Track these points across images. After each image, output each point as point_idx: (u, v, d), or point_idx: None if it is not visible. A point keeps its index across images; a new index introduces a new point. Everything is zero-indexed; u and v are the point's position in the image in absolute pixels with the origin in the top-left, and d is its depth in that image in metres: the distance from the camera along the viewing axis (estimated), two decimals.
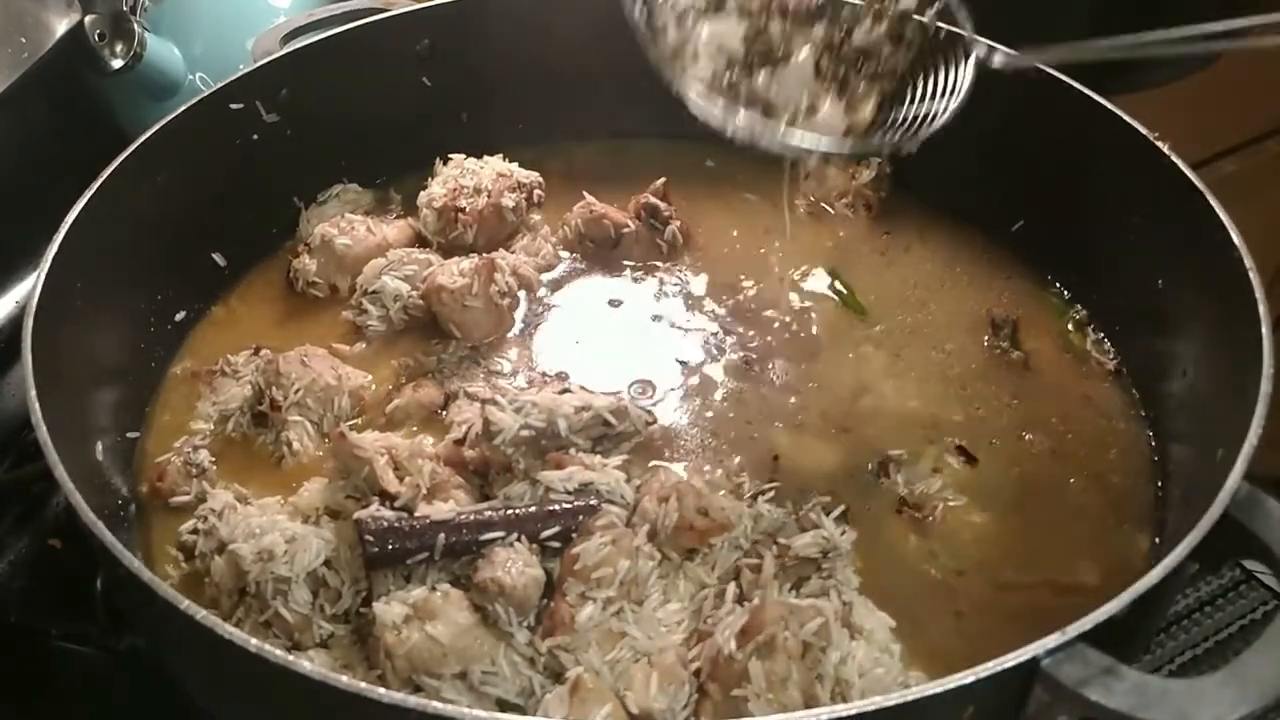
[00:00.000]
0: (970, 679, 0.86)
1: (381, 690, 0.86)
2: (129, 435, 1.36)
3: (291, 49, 1.57)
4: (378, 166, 1.70)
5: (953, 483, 1.29)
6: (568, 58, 1.69)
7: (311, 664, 0.92)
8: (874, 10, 1.26)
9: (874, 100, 1.25)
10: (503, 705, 1.04)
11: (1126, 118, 1.39)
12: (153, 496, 1.28)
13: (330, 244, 1.53)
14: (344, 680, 0.86)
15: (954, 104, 1.24)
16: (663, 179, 1.62)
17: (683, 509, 1.13)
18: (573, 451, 1.19)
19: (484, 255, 1.47)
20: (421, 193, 1.61)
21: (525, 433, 1.18)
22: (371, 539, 1.09)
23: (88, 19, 1.59)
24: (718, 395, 1.39)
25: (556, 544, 1.11)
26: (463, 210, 1.55)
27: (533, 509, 1.13)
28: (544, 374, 1.40)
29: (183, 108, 1.45)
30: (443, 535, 1.09)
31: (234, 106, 1.51)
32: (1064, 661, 0.88)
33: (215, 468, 1.31)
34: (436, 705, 0.85)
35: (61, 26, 1.56)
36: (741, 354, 1.45)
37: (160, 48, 1.71)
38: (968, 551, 1.23)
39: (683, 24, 1.26)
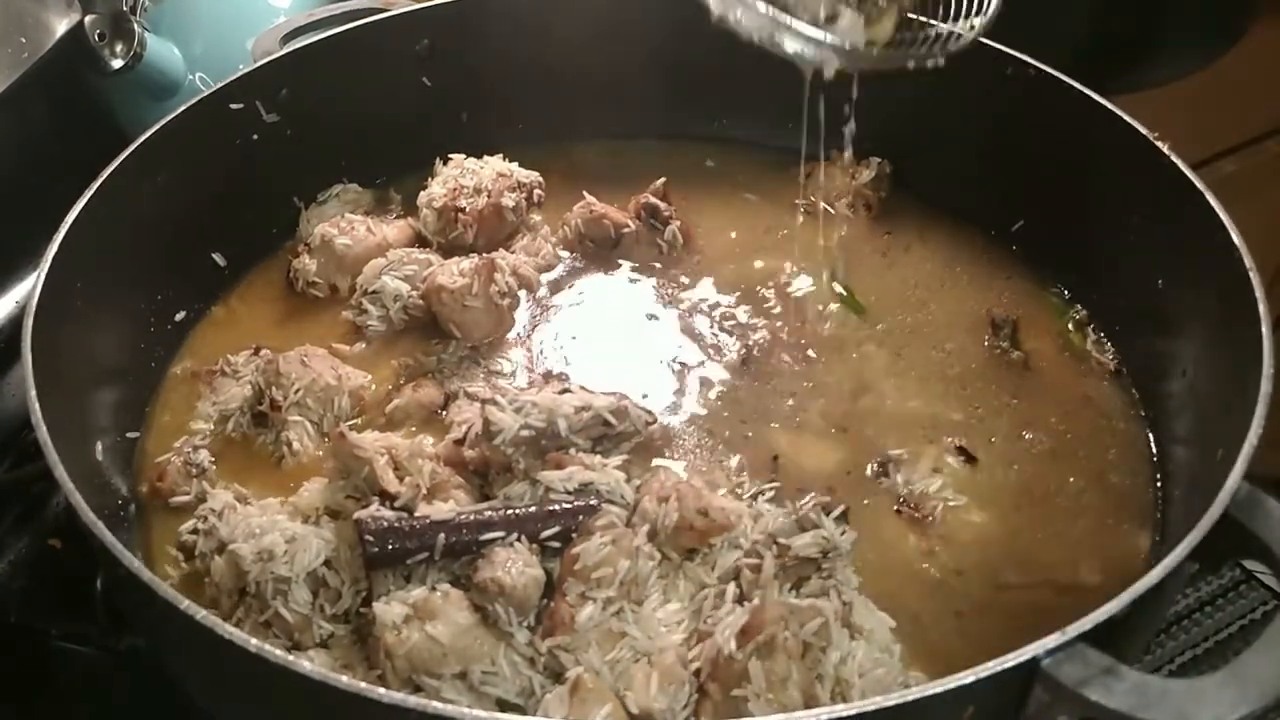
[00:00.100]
0: (970, 679, 0.86)
1: (381, 690, 0.86)
2: (129, 435, 1.36)
3: (291, 49, 1.57)
4: (378, 166, 1.70)
5: (952, 482, 1.29)
6: (568, 58, 1.70)
7: (311, 664, 0.92)
8: None
9: (894, 16, 1.23)
10: (503, 705, 1.04)
11: (1126, 118, 1.39)
12: (153, 496, 1.28)
13: (330, 244, 1.53)
14: (344, 680, 0.86)
15: (981, 22, 1.21)
16: (663, 179, 1.62)
17: (683, 509, 1.13)
18: (573, 451, 1.19)
19: (484, 255, 1.47)
20: (421, 193, 1.61)
21: (525, 433, 1.18)
22: (371, 539, 1.09)
23: (88, 19, 1.59)
24: (718, 395, 1.39)
25: (556, 544, 1.11)
26: (463, 210, 1.55)
27: (533, 509, 1.13)
28: (544, 374, 1.40)
29: (183, 108, 1.45)
30: (443, 535, 1.09)
31: (234, 106, 1.51)
32: (1064, 661, 0.88)
33: (215, 468, 1.31)
34: (436, 705, 0.85)
35: (61, 26, 1.56)
36: (742, 354, 1.45)
37: (160, 48, 1.71)
38: (967, 551, 1.23)
39: None
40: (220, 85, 1.50)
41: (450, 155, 1.64)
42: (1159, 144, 1.34)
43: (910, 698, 0.86)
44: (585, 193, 1.62)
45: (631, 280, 1.58)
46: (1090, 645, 0.88)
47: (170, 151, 1.42)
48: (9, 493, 1.44)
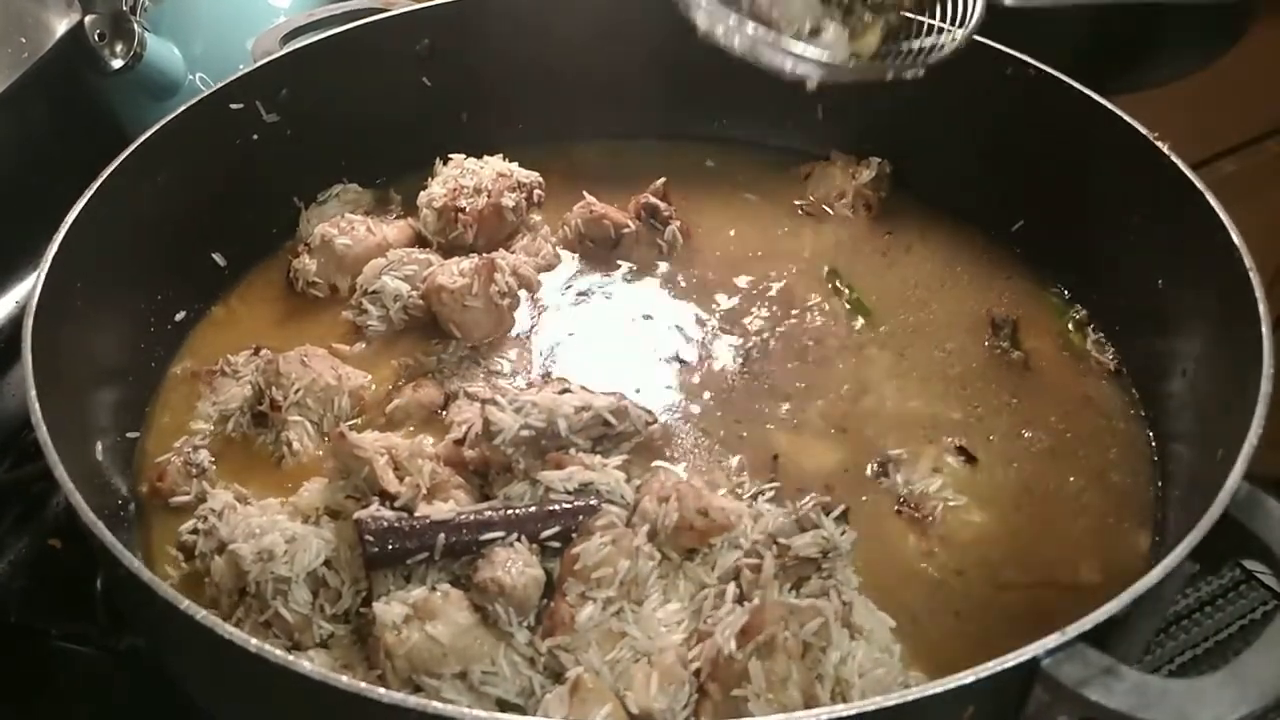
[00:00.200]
0: (970, 679, 0.86)
1: (381, 690, 0.86)
2: (129, 435, 1.36)
3: (291, 49, 1.57)
4: (378, 166, 1.70)
5: (952, 482, 1.29)
6: (568, 58, 1.70)
7: (311, 664, 0.92)
8: None
9: (879, 31, 1.23)
10: (503, 705, 1.04)
11: (1126, 118, 1.39)
12: (153, 496, 1.28)
13: (330, 244, 1.53)
14: (344, 680, 0.86)
15: (962, 34, 1.22)
16: (663, 179, 1.62)
17: (683, 509, 1.13)
18: (573, 451, 1.19)
19: (484, 255, 1.47)
20: (421, 193, 1.61)
21: (525, 433, 1.18)
22: (371, 539, 1.09)
23: (88, 19, 1.59)
24: (718, 395, 1.39)
25: (556, 544, 1.11)
26: (463, 210, 1.55)
27: (533, 509, 1.13)
28: (544, 374, 1.40)
29: (183, 108, 1.45)
30: (443, 535, 1.09)
31: (234, 106, 1.51)
32: (1064, 661, 0.88)
33: (215, 468, 1.31)
34: (436, 705, 0.85)
35: (61, 26, 1.56)
36: (742, 354, 1.45)
37: (160, 48, 1.71)
38: (967, 551, 1.23)
39: None
40: (220, 85, 1.50)
41: (450, 155, 1.64)
42: (1159, 144, 1.34)
43: (910, 698, 0.86)
44: (585, 193, 1.62)
45: (631, 280, 1.58)
46: (1090, 645, 0.88)
47: (170, 151, 1.42)
48: (9, 493, 1.44)
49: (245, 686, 0.99)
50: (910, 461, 1.31)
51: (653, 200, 1.59)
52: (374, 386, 1.39)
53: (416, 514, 1.12)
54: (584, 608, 1.06)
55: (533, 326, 1.50)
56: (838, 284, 1.55)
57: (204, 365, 1.43)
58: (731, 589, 1.10)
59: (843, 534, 1.14)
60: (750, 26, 1.16)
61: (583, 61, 1.70)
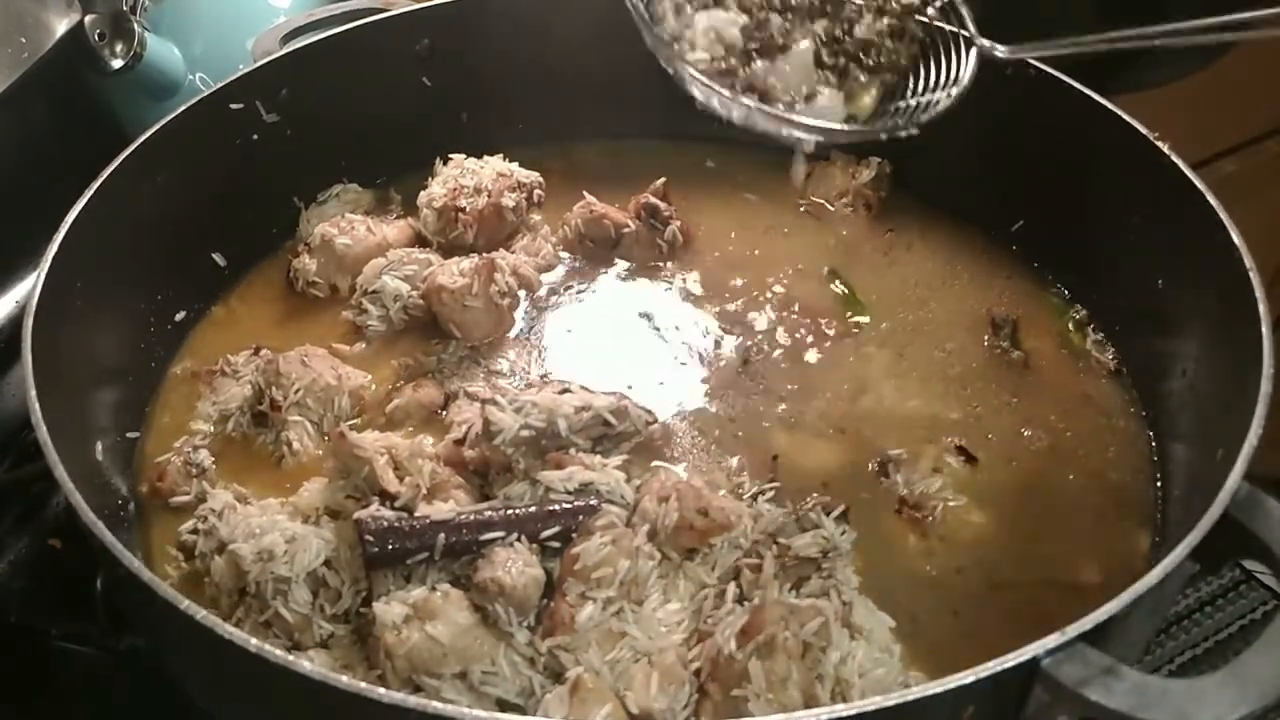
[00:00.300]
0: (970, 679, 0.86)
1: (381, 690, 0.86)
2: (129, 435, 1.36)
3: (291, 49, 1.57)
4: (378, 166, 1.70)
5: (952, 482, 1.29)
6: (568, 58, 1.69)
7: (311, 664, 0.93)
8: (876, 5, 1.25)
9: (874, 92, 1.24)
10: (503, 705, 1.04)
11: (1126, 118, 1.39)
12: (153, 496, 1.28)
13: (330, 244, 1.53)
14: (344, 680, 0.86)
15: (955, 91, 1.23)
16: (663, 179, 1.62)
17: (683, 509, 1.13)
18: (573, 451, 1.19)
19: (484, 255, 1.47)
20: (421, 193, 1.61)
21: (525, 433, 1.18)
22: (371, 539, 1.09)
23: (88, 19, 1.59)
24: (718, 395, 1.39)
25: (556, 544, 1.11)
26: (463, 210, 1.55)
27: (533, 509, 1.13)
28: (543, 374, 1.40)
29: (183, 108, 1.45)
30: (443, 535, 1.09)
31: (234, 106, 1.51)
32: (1064, 661, 0.88)
33: (215, 468, 1.31)
34: (436, 705, 0.85)
35: (61, 26, 1.56)
36: (742, 353, 1.45)
37: (160, 48, 1.71)
38: (967, 551, 1.23)
39: (681, 13, 1.25)
40: (220, 85, 1.50)
41: (450, 155, 1.64)
42: (1159, 144, 1.34)
43: (910, 698, 0.86)
44: (585, 193, 1.62)
45: (631, 280, 1.58)
46: (1090, 645, 0.88)
47: (170, 151, 1.42)
48: (9, 493, 1.44)
49: (245, 686, 0.99)
50: (910, 461, 1.31)
51: (653, 200, 1.59)
52: (374, 386, 1.39)
53: (416, 514, 1.12)
54: (584, 608, 1.06)
55: (533, 326, 1.50)
56: (837, 283, 1.55)
57: (204, 365, 1.43)
58: (731, 589, 1.10)
59: (843, 534, 1.14)
60: (746, 99, 1.18)
61: (583, 61, 1.70)
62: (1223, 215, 1.23)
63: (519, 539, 1.10)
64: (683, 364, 1.44)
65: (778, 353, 1.45)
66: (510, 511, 1.13)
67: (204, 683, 1.10)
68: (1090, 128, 1.43)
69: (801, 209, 1.67)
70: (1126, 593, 0.91)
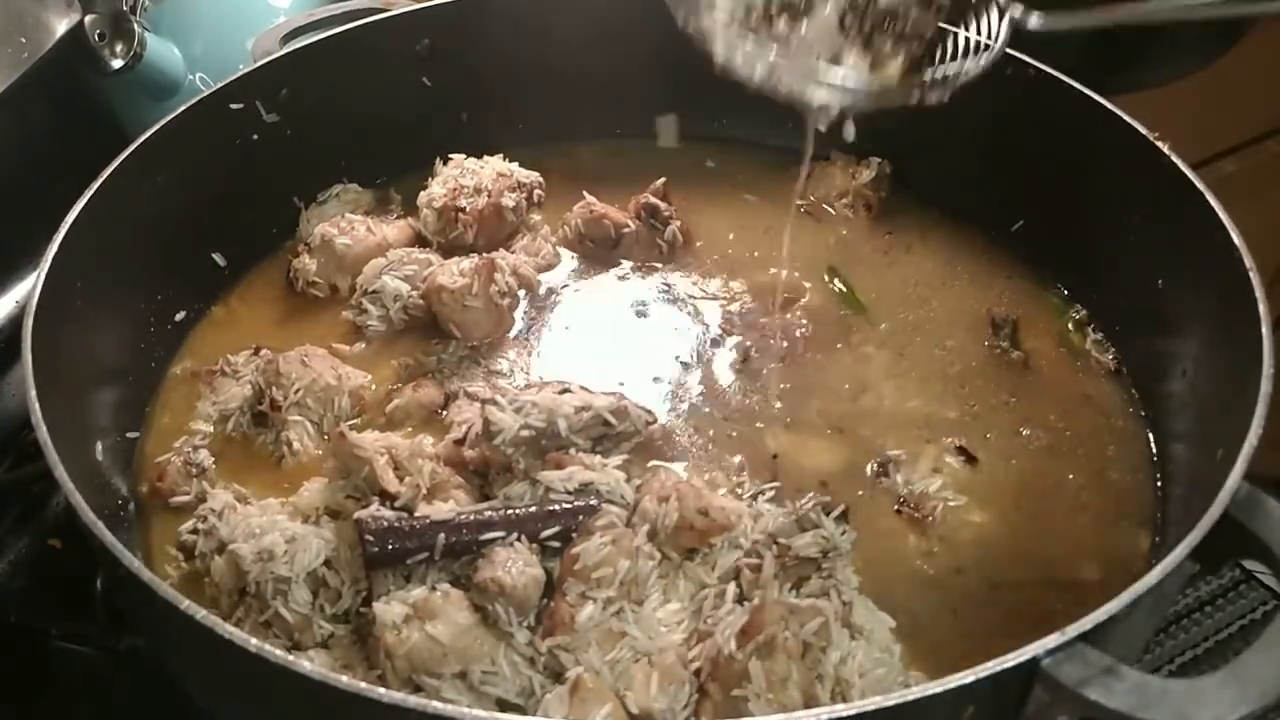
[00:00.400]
0: (970, 679, 0.86)
1: (381, 690, 0.86)
2: (129, 435, 1.36)
3: (291, 49, 1.57)
4: (378, 166, 1.70)
5: (952, 482, 1.29)
6: (568, 58, 1.70)
7: (311, 664, 0.92)
8: None
9: (901, 61, 1.23)
10: (503, 705, 1.04)
11: (1126, 118, 1.39)
12: (153, 496, 1.28)
13: (330, 244, 1.53)
14: (344, 680, 0.86)
15: (987, 59, 1.22)
16: (663, 179, 1.62)
17: (683, 509, 1.13)
18: (573, 451, 1.19)
19: (484, 255, 1.47)
20: (421, 193, 1.61)
21: (525, 433, 1.18)
22: (371, 539, 1.09)
23: (88, 19, 1.59)
24: (718, 395, 1.39)
25: (556, 544, 1.11)
26: (463, 210, 1.55)
27: (533, 509, 1.13)
28: (542, 376, 1.40)
29: (183, 108, 1.45)
30: (443, 535, 1.09)
31: (234, 106, 1.51)
32: (1064, 661, 0.88)
33: (215, 468, 1.31)
34: (436, 705, 0.85)
35: (61, 26, 1.56)
36: (742, 353, 1.45)
37: (160, 48, 1.71)
38: (967, 551, 1.23)
39: None
40: (220, 85, 1.50)
41: (450, 155, 1.64)
42: (1159, 144, 1.34)
43: (910, 698, 0.86)
44: (585, 193, 1.62)
45: (631, 280, 1.58)
46: (1090, 645, 0.88)
47: (170, 151, 1.42)
48: (9, 493, 1.44)
49: (245, 686, 0.99)
50: (910, 461, 1.31)
51: (653, 200, 1.59)
52: (374, 386, 1.39)
53: (416, 514, 1.12)
54: (584, 608, 1.06)
55: (532, 326, 1.50)
56: (837, 283, 1.55)
57: (204, 365, 1.43)
58: (731, 589, 1.10)
59: (843, 534, 1.14)
60: (770, 52, 1.16)
61: (583, 61, 1.70)
62: (1223, 215, 1.23)
63: (519, 539, 1.10)
64: (683, 364, 1.44)
65: (777, 352, 1.45)
66: (510, 511, 1.13)
67: (204, 683, 1.10)
68: (1090, 128, 1.43)
69: (801, 209, 1.66)
70: (1126, 592, 0.91)
